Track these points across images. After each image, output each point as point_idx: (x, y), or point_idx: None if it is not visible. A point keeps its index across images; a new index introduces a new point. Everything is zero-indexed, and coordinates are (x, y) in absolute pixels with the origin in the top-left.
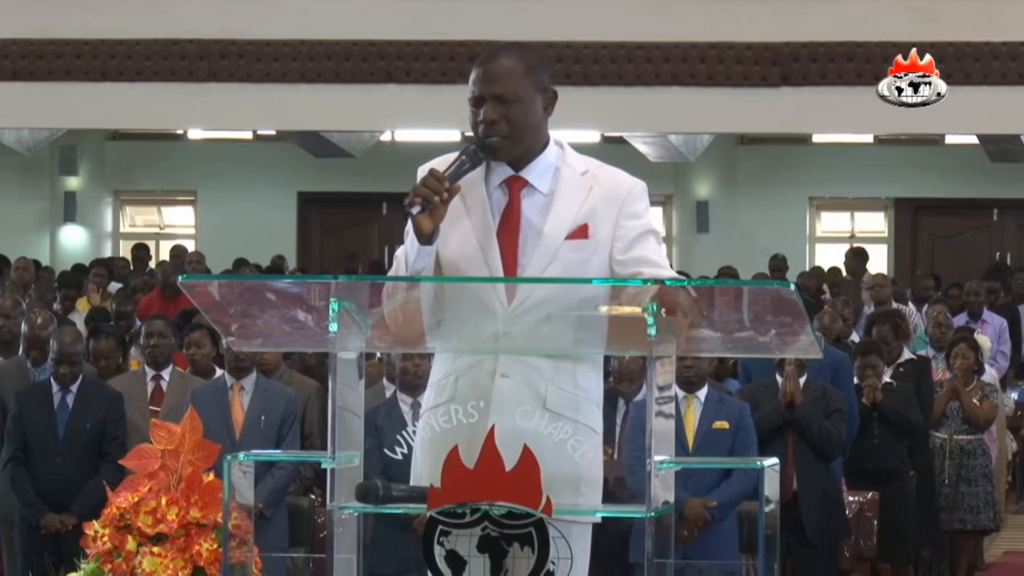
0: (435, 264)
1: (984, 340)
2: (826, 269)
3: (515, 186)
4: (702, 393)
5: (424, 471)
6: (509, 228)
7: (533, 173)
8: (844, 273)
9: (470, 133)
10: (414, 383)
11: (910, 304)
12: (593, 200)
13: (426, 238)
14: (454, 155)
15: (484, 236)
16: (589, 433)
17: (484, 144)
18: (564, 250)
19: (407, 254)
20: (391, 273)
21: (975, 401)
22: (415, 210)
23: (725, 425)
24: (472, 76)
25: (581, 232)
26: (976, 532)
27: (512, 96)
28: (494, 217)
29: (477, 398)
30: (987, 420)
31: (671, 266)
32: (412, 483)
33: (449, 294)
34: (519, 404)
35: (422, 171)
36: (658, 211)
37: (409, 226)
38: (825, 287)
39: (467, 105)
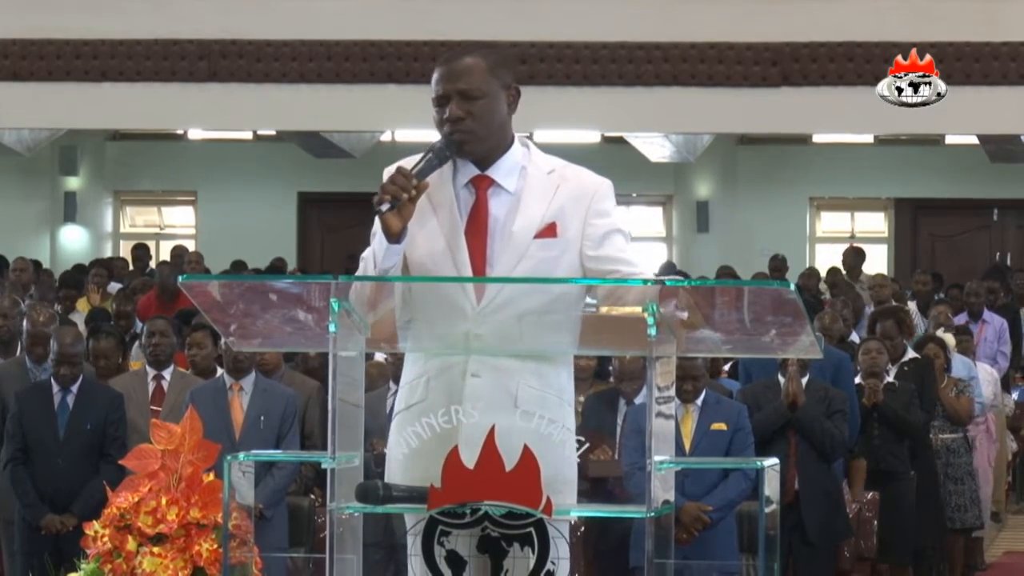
0: (403, 265)
1: (949, 338)
2: (826, 269)
3: (481, 185)
4: (700, 399)
5: (396, 478)
6: (477, 227)
7: (499, 172)
8: (843, 271)
9: None
10: None
11: (910, 304)
12: (560, 199)
13: (394, 237)
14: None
15: (452, 236)
16: (562, 431)
17: (450, 141)
18: (533, 248)
19: (375, 253)
20: (358, 275)
21: (952, 397)
22: (384, 208)
23: (723, 427)
24: (435, 76)
25: (550, 231)
26: (964, 530)
27: (477, 92)
28: (461, 216)
29: (449, 400)
30: (967, 415)
31: (675, 265)
32: None
33: (418, 294)
34: (491, 403)
35: (388, 171)
36: (657, 211)
37: (376, 227)
38: (824, 287)
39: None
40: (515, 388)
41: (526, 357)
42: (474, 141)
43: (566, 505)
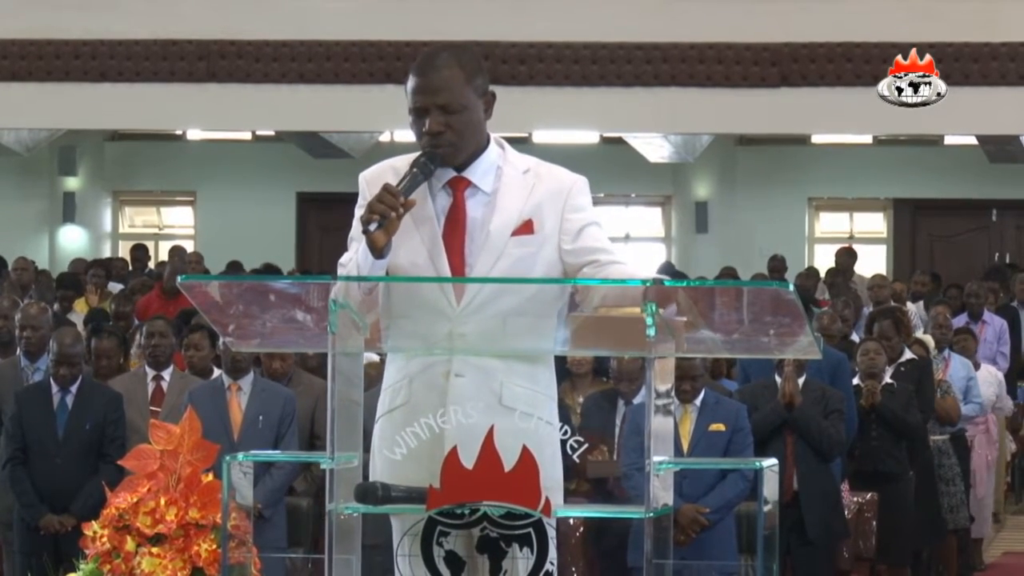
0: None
1: (928, 339)
2: (825, 269)
3: (459, 186)
4: (698, 399)
5: (384, 479)
6: (455, 228)
7: (476, 173)
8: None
9: None
10: None
11: (909, 304)
12: (537, 197)
13: (379, 253)
14: (398, 160)
15: (431, 239)
16: (547, 428)
17: (432, 154)
18: (510, 246)
19: (360, 268)
20: (338, 283)
21: (937, 398)
22: (373, 227)
23: (721, 427)
24: (411, 85)
25: (526, 228)
26: (957, 531)
27: (457, 106)
28: (439, 219)
29: (434, 402)
30: (956, 415)
31: (674, 265)
32: None
33: (398, 297)
34: (477, 403)
35: (363, 179)
36: (657, 211)
37: (353, 231)
38: (824, 286)
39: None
40: (499, 387)
41: (508, 356)
42: (454, 153)
43: (554, 503)
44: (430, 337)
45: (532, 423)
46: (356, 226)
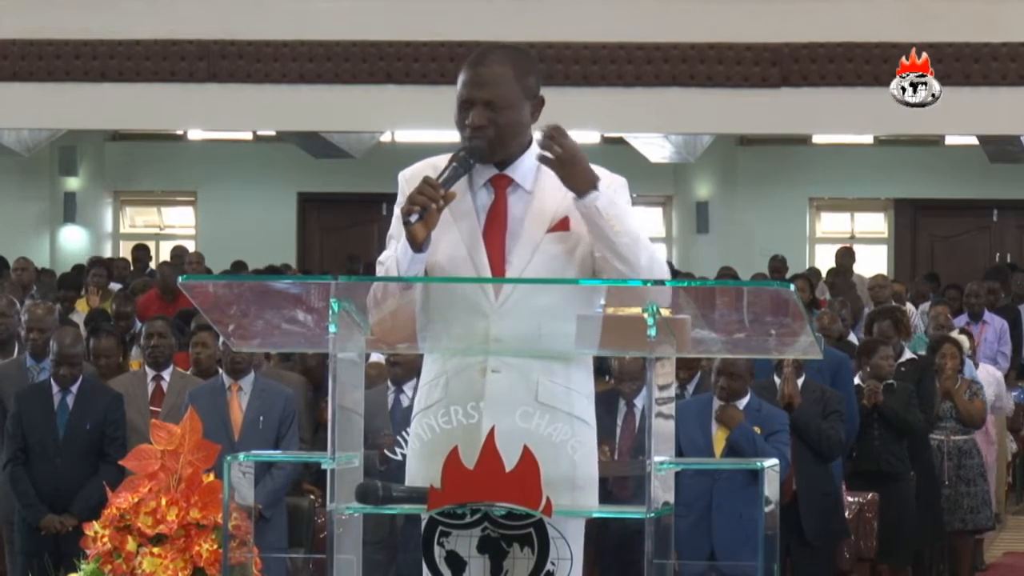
0: (424, 270)
1: (964, 340)
2: (827, 270)
3: (500, 185)
4: (742, 402)
5: (418, 475)
6: (496, 226)
7: (518, 172)
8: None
9: None
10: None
11: (909, 304)
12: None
13: (419, 246)
14: (438, 159)
15: (470, 237)
16: (583, 427)
17: (472, 149)
18: (546, 243)
19: (399, 262)
20: (375, 283)
21: (966, 400)
22: (413, 219)
23: (757, 431)
24: (462, 78)
25: (562, 225)
26: (976, 532)
27: (503, 103)
28: (479, 217)
29: (470, 397)
30: (981, 418)
31: (673, 265)
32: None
33: (436, 294)
34: (512, 399)
35: (403, 178)
36: (657, 211)
37: (393, 229)
38: (824, 286)
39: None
40: (535, 384)
41: (544, 356)
42: (493, 149)
43: (588, 504)
44: (468, 335)
45: (569, 421)
46: (395, 224)
